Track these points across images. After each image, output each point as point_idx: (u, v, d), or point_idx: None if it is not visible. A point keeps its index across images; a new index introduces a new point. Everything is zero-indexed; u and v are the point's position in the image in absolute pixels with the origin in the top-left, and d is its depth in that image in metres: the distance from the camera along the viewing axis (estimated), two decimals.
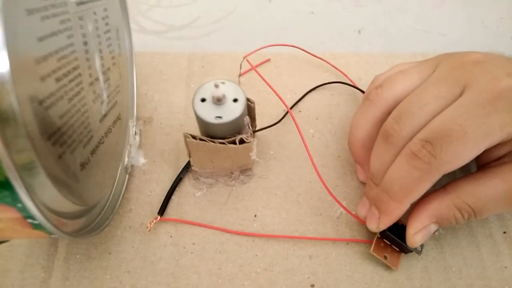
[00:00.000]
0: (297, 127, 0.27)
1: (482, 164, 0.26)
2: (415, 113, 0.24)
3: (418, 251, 0.26)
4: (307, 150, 0.26)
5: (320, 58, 0.37)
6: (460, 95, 0.23)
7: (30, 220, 0.17)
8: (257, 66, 0.37)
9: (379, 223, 0.25)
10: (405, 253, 0.27)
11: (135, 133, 0.32)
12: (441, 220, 0.25)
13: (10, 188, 0.15)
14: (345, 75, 0.36)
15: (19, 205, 0.16)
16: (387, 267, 0.27)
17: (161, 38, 0.43)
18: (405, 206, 0.24)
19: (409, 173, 0.23)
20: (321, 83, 0.36)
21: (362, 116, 0.28)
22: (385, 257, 0.27)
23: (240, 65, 0.31)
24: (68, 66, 0.20)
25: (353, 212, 0.28)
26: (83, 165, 0.22)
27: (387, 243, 0.27)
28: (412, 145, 0.23)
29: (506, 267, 0.27)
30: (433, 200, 0.25)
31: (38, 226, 0.17)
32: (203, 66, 0.38)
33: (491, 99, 0.22)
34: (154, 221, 0.28)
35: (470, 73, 0.24)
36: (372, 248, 0.26)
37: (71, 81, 0.21)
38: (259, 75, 0.29)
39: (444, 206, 0.24)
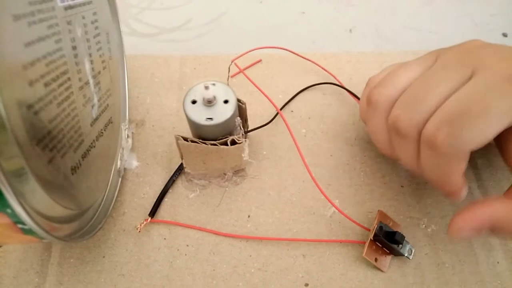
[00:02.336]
0: (288, 127, 0.27)
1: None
2: (423, 98, 0.23)
3: (408, 255, 0.27)
4: (298, 150, 0.27)
5: (310, 60, 0.37)
6: (470, 77, 0.22)
7: (20, 226, 0.17)
8: (246, 68, 0.37)
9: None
10: (395, 255, 0.27)
11: (128, 136, 0.32)
12: (498, 224, 0.22)
13: None
14: (334, 77, 0.36)
15: (9, 210, 0.16)
16: None
17: (153, 40, 0.43)
18: (456, 181, 0.23)
19: (436, 161, 0.22)
20: (312, 83, 0.36)
21: (374, 122, 0.27)
22: (376, 260, 0.27)
23: (229, 68, 0.31)
24: (57, 70, 0.20)
25: (345, 212, 0.28)
26: (74, 169, 0.22)
27: (379, 246, 0.27)
28: (427, 132, 0.22)
29: (498, 262, 0.27)
30: (493, 203, 0.22)
31: (28, 231, 0.17)
32: (195, 68, 0.38)
33: (508, 77, 0.21)
34: (145, 222, 0.28)
35: (478, 55, 0.23)
36: (364, 252, 0.26)
37: (60, 85, 0.21)
38: (248, 78, 0.29)
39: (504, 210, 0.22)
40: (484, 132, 0.21)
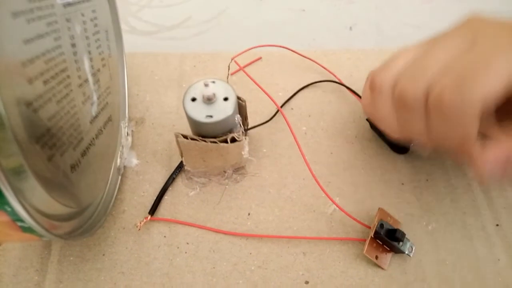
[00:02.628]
0: (288, 125, 0.27)
1: None
2: (426, 65, 0.23)
3: (409, 253, 0.27)
4: (299, 147, 0.26)
5: (309, 58, 0.37)
6: (471, 45, 0.22)
7: (19, 223, 0.17)
8: (246, 66, 0.37)
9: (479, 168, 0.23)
10: (396, 253, 0.27)
11: (127, 134, 0.32)
12: None
13: None
14: (334, 75, 0.37)
15: (8, 208, 0.16)
16: None
17: (152, 38, 0.43)
18: (471, 143, 0.22)
19: (447, 125, 0.22)
20: (312, 81, 0.36)
21: (381, 107, 0.26)
22: (376, 257, 0.27)
23: (229, 66, 0.31)
24: (56, 68, 0.20)
25: (346, 209, 0.28)
26: (73, 167, 0.22)
27: (379, 243, 0.27)
28: (433, 94, 0.22)
29: (499, 260, 0.27)
30: None
31: (27, 229, 0.17)
32: (194, 66, 0.38)
33: (509, 42, 0.21)
34: (144, 220, 0.28)
35: (477, 27, 0.23)
36: (365, 250, 0.26)
37: (59, 83, 0.20)
38: (248, 76, 0.29)
39: None
40: (490, 84, 0.20)
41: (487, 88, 0.20)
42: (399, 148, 0.31)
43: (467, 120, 0.21)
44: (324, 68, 0.37)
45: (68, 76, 0.22)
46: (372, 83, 0.26)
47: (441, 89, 0.21)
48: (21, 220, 0.17)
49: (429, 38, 0.26)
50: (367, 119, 0.33)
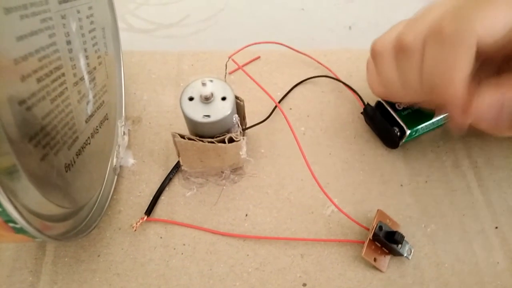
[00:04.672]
0: (288, 122, 0.26)
1: None
2: (425, 13, 0.23)
3: (408, 255, 0.27)
4: (299, 146, 0.26)
5: (307, 55, 0.37)
6: None
7: (11, 224, 0.17)
8: (245, 64, 0.37)
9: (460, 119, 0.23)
10: (394, 255, 0.27)
11: (124, 133, 0.32)
12: None
13: None
14: (333, 73, 0.36)
15: None
16: None
17: (150, 36, 0.43)
18: (461, 81, 0.21)
19: (441, 56, 0.21)
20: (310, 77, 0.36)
21: (382, 70, 0.27)
22: (375, 259, 0.26)
23: (226, 65, 0.30)
24: (50, 66, 0.20)
25: (344, 211, 0.27)
26: (68, 167, 0.22)
27: (378, 245, 0.27)
28: (433, 26, 0.22)
29: (498, 263, 0.27)
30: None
31: (20, 230, 0.17)
32: (192, 65, 0.38)
33: None
34: (141, 221, 0.28)
35: None
36: (363, 252, 0.26)
37: (53, 81, 0.20)
38: (247, 74, 0.29)
39: None
40: (491, 16, 0.20)
41: (486, 20, 0.20)
42: (390, 142, 0.31)
43: (462, 50, 0.21)
44: (324, 66, 0.36)
45: (63, 74, 0.21)
46: (373, 50, 0.27)
47: (441, 19, 0.21)
48: (13, 221, 0.16)
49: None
50: (361, 113, 0.33)
